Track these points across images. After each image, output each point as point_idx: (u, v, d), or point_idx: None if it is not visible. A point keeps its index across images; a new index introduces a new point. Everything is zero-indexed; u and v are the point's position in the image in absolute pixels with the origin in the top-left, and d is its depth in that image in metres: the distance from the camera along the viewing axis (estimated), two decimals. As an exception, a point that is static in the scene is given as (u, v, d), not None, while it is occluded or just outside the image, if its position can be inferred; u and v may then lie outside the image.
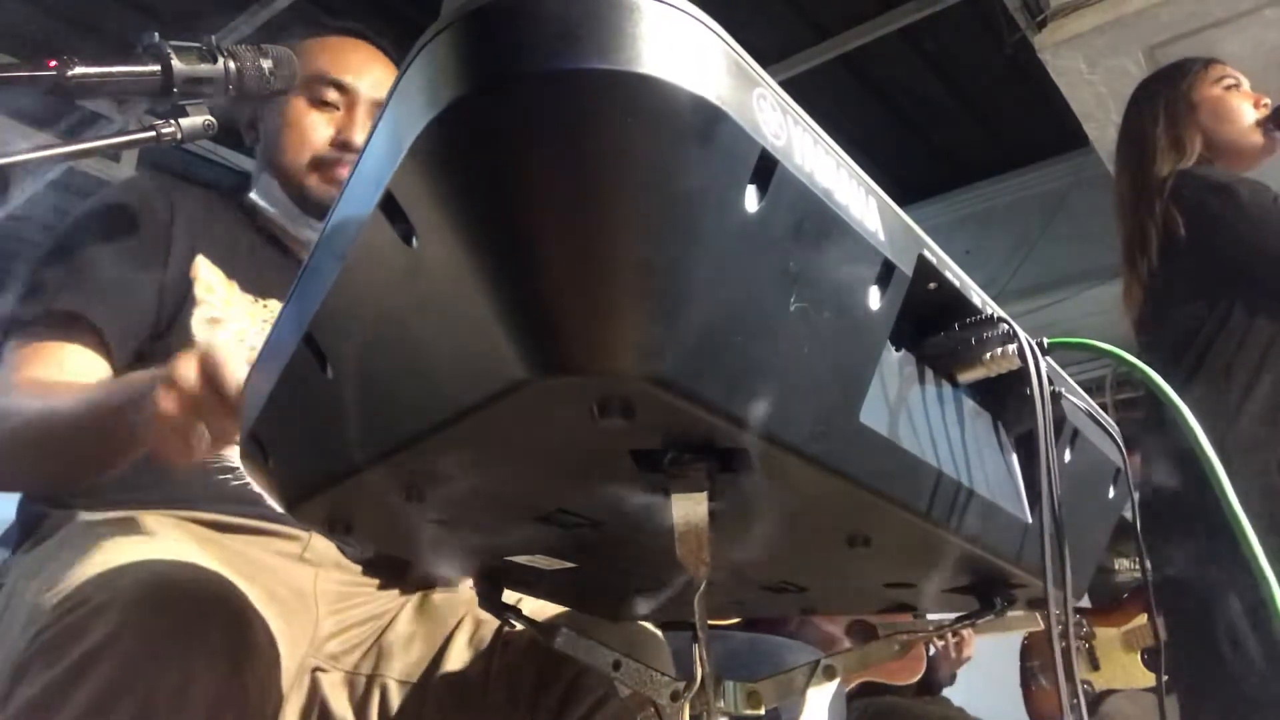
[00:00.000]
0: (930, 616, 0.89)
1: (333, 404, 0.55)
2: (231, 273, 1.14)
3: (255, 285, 1.15)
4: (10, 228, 4.54)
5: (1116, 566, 2.82)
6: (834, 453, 0.46)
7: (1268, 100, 1.95)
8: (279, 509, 0.66)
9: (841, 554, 0.61)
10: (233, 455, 1.06)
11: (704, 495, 0.48)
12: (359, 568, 1.11)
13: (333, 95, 1.21)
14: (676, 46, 0.38)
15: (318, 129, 1.20)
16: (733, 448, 0.44)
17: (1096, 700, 2.65)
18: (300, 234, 1.22)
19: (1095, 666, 2.73)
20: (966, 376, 0.58)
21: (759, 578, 0.71)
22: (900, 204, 0.51)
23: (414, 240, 0.43)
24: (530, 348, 0.39)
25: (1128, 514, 0.79)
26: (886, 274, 0.48)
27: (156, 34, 0.92)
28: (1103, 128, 3.27)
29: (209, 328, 1.07)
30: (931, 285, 0.54)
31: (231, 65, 0.95)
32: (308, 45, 1.23)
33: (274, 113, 1.23)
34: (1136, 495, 0.78)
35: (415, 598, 1.11)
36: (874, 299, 0.48)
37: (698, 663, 0.63)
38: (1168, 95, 1.96)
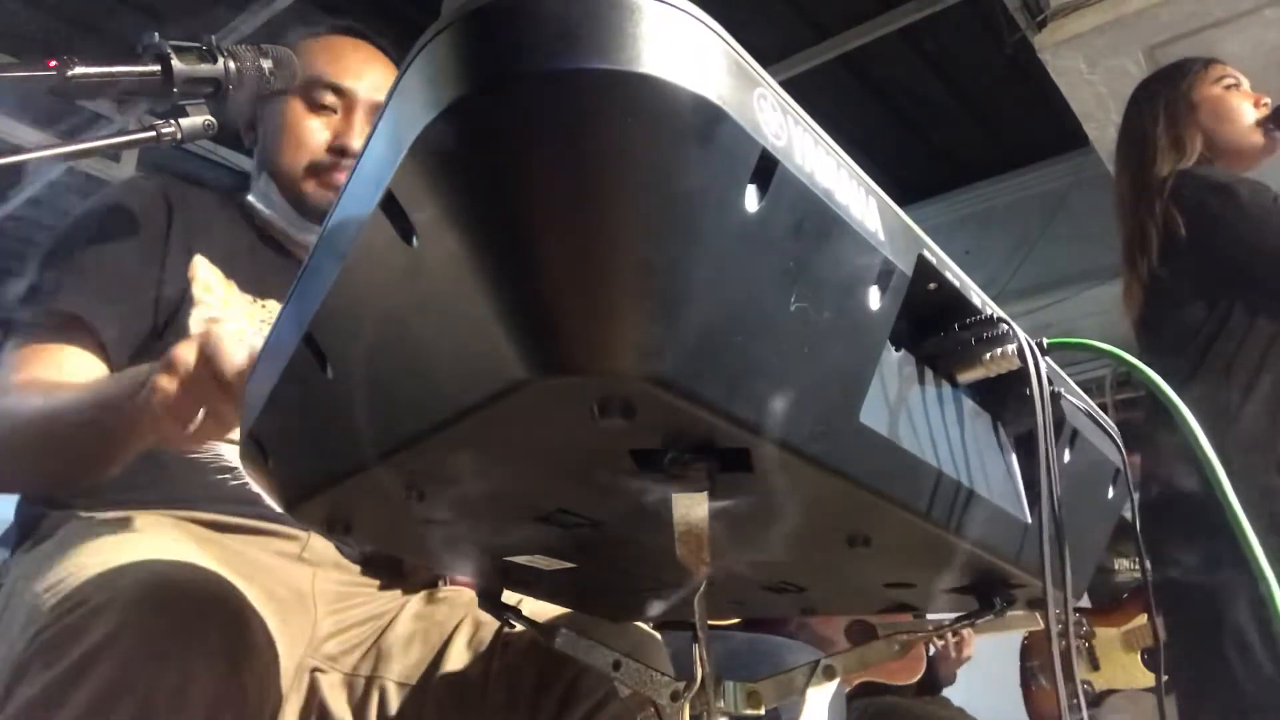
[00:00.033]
0: (930, 616, 0.89)
1: (333, 404, 0.55)
2: (230, 273, 1.14)
3: (254, 285, 1.15)
4: (10, 227, 4.54)
5: (1116, 566, 2.82)
6: (834, 453, 0.46)
7: (1268, 100, 1.95)
8: (278, 509, 0.66)
9: (841, 554, 0.61)
10: (232, 455, 1.06)
11: (704, 495, 0.48)
12: (358, 568, 1.11)
13: (330, 99, 1.20)
14: (677, 46, 0.38)
15: (315, 133, 1.19)
16: (733, 448, 0.44)
17: (1096, 700, 2.65)
18: (299, 237, 1.22)
19: (1095, 666, 2.73)
20: (966, 377, 0.58)
21: (759, 578, 0.71)
22: (900, 204, 0.51)
23: (414, 240, 0.43)
24: (530, 348, 0.39)
25: (1128, 514, 0.79)
26: (886, 274, 0.48)
27: (156, 34, 0.92)
28: (1103, 128, 3.27)
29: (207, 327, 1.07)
30: (931, 285, 0.54)
31: (231, 65, 0.95)
32: (306, 45, 1.22)
33: (271, 115, 1.23)
34: (1136, 495, 0.78)
35: (414, 599, 1.11)
36: (874, 299, 0.48)
37: (698, 663, 0.63)
38: (1168, 95, 1.96)
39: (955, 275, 0.55)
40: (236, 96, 0.95)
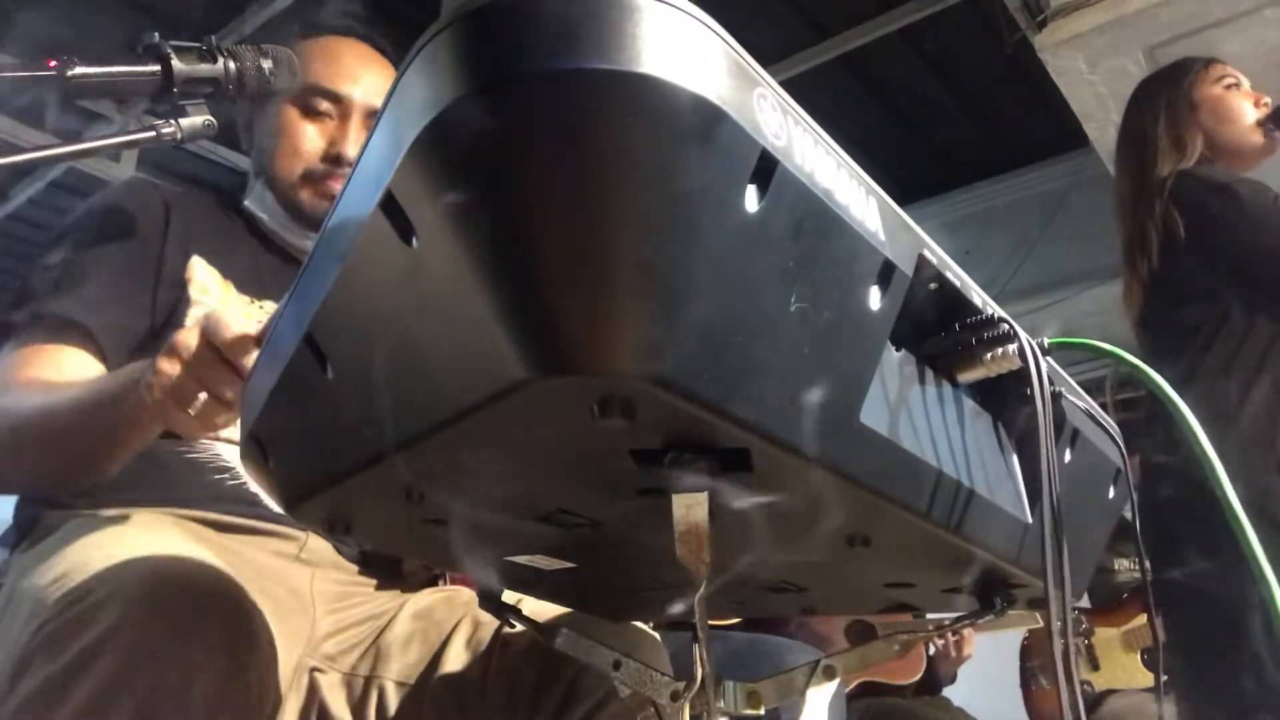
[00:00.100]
0: (930, 616, 0.89)
1: (333, 404, 0.55)
2: (227, 274, 1.14)
3: (251, 286, 1.15)
4: (10, 227, 4.55)
5: (1116, 566, 2.82)
6: (834, 453, 0.46)
7: (1268, 100, 1.95)
8: (278, 509, 0.66)
9: (841, 554, 0.61)
10: (230, 455, 1.06)
11: (704, 495, 0.48)
12: (356, 568, 1.11)
13: (326, 105, 1.20)
14: (677, 46, 0.38)
15: (310, 140, 1.19)
16: (733, 448, 0.44)
17: (1096, 700, 2.65)
18: (295, 241, 1.22)
19: (1095, 666, 2.72)
20: (967, 376, 0.58)
21: (759, 578, 0.71)
22: (900, 204, 0.51)
23: (414, 240, 0.43)
24: (530, 348, 0.39)
25: (1128, 514, 0.79)
26: (887, 274, 0.48)
27: (156, 34, 0.92)
28: (1103, 128, 3.28)
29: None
30: (932, 285, 0.54)
31: (231, 65, 0.95)
32: (303, 46, 1.22)
33: (267, 119, 1.22)
34: (1136, 495, 0.78)
35: (413, 598, 1.11)
36: (874, 299, 0.48)
37: (698, 663, 0.63)
38: (1168, 95, 1.96)
39: (956, 275, 0.55)
40: (236, 97, 0.95)
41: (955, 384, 0.59)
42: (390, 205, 0.43)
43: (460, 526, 0.62)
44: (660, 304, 0.38)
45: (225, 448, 1.07)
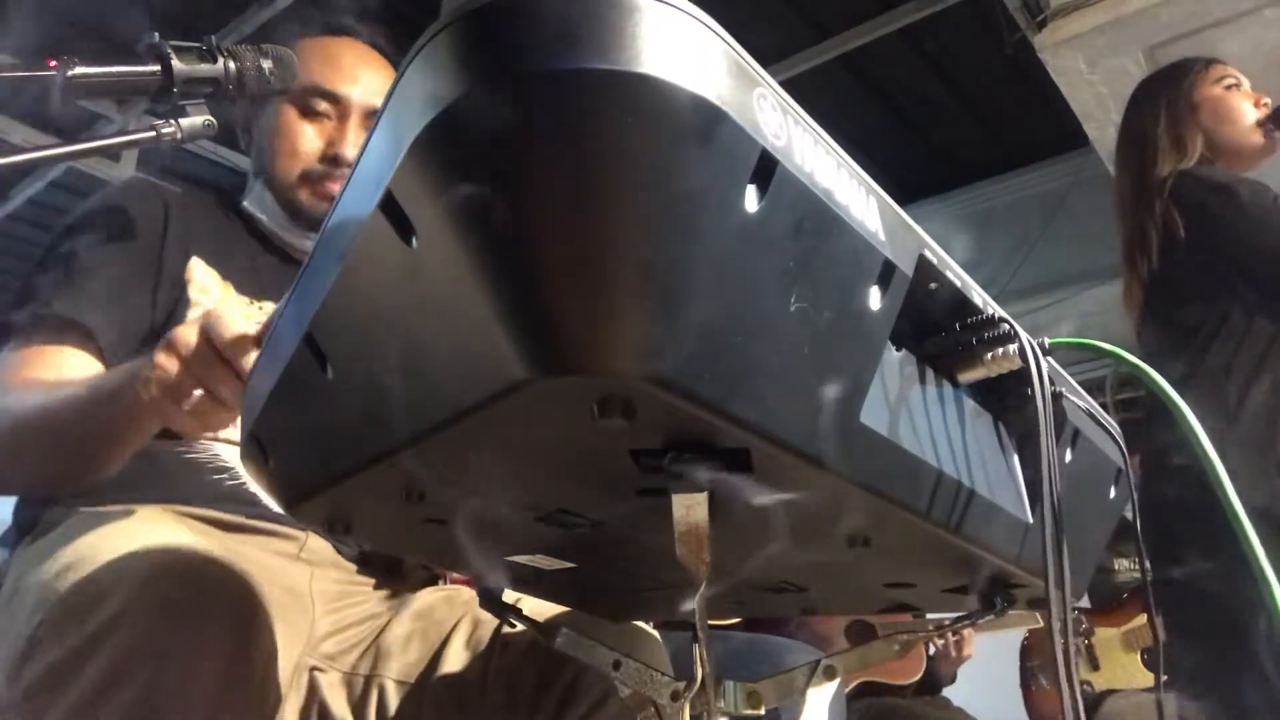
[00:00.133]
0: (930, 616, 0.89)
1: (333, 404, 0.55)
2: (227, 274, 1.14)
3: (251, 287, 1.15)
4: (10, 227, 4.55)
5: (1116, 566, 2.82)
6: (834, 453, 0.46)
7: (1268, 100, 1.95)
8: (279, 509, 0.66)
9: (841, 554, 0.61)
10: (229, 455, 1.06)
11: (704, 495, 0.48)
12: (355, 567, 1.11)
13: (324, 105, 1.20)
14: (676, 46, 0.38)
15: (308, 140, 1.19)
16: (733, 448, 0.44)
17: (1096, 700, 2.65)
18: (294, 241, 1.22)
19: (1095, 666, 2.72)
20: (967, 376, 0.58)
21: (759, 578, 0.71)
22: (900, 204, 0.51)
23: (414, 240, 0.43)
24: (530, 348, 0.39)
25: (1128, 514, 0.79)
26: (887, 274, 0.48)
27: (156, 34, 0.92)
28: (1103, 128, 3.28)
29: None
30: (932, 285, 0.54)
31: (231, 65, 0.95)
32: (301, 46, 1.21)
33: (265, 119, 1.22)
34: (1137, 495, 0.78)
35: (413, 597, 1.11)
36: (874, 299, 0.48)
37: (698, 663, 0.63)
38: (1169, 95, 1.96)
39: (956, 275, 0.55)
40: (236, 97, 0.95)
41: (956, 384, 0.59)
42: (390, 205, 0.43)
43: (460, 526, 0.62)
44: (660, 304, 0.38)
45: (225, 448, 1.07)
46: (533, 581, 0.76)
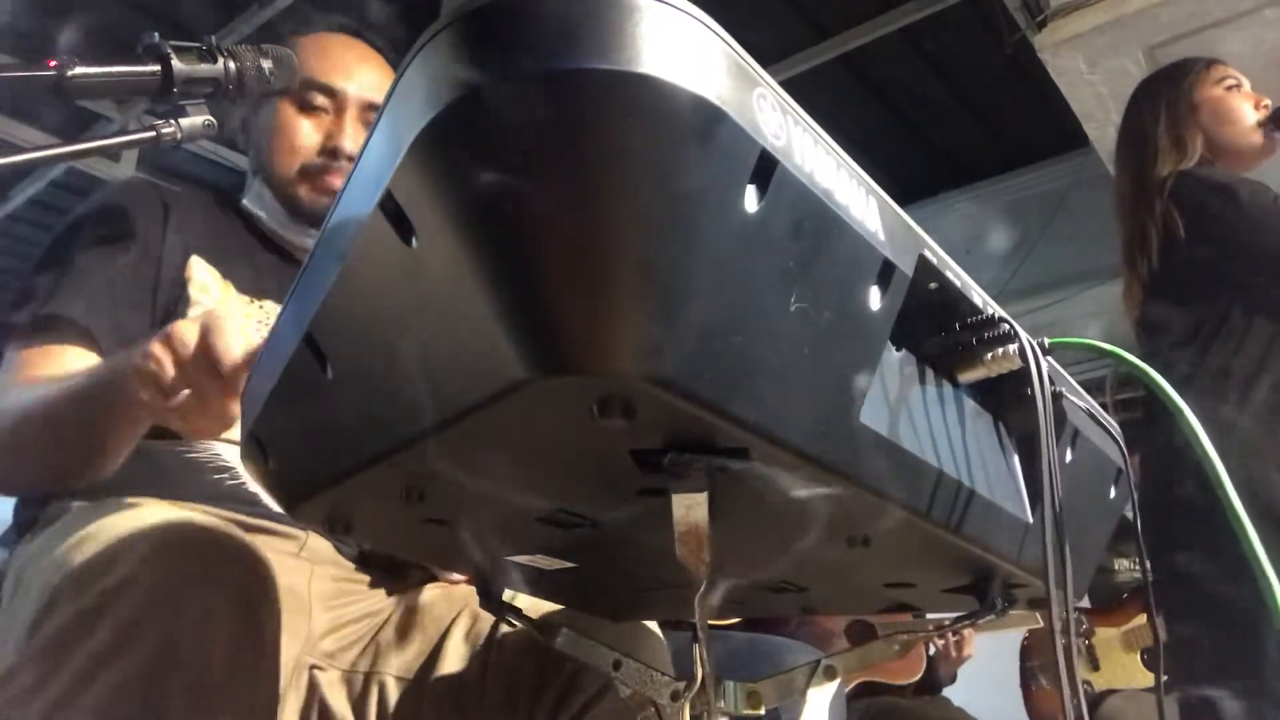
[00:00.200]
0: (930, 616, 0.89)
1: (333, 404, 0.55)
2: (227, 273, 1.14)
3: (251, 286, 1.15)
4: (10, 227, 4.55)
5: (1116, 566, 2.82)
6: (834, 453, 0.46)
7: (1268, 101, 1.95)
8: (279, 509, 0.66)
9: (841, 554, 0.61)
10: (229, 455, 1.06)
11: (704, 495, 0.48)
12: (354, 565, 1.11)
13: (321, 100, 1.20)
14: (676, 46, 0.38)
15: (306, 135, 1.19)
16: (733, 448, 0.44)
17: (1096, 700, 2.65)
18: (294, 239, 1.22)
19: (1095, 666, 2.72)
20: (967, 376, 0.58)
21: (759, 577, 0.71)
22: (900, 204, 0.51)
23: (414, 240, 0.43)
24: (530, 348, 0.39)
25: (1128, 513, 0.79)
26: (887, 274, 0.48)
27: (156, 34, 0.92)
28: (1103, 128, 3.27)
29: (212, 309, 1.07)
30: (932, 285, 0.54)
31: (231, 65, 0.95)
32: (299, 44, 1.22)
33: (263, 117, 1.22)
34: (1137, 495, 0.78)
35: (411, 594, 1.11)
36: (874, 299, 0.48)
37: (698, 663, 0.63)
38: (1169, 95, 1.96)
39: (956, 275, 0.55)
40: (236, 97, 0.96)
41: (955, 384, 0.59)
42: (390, 205, 0.43)
43: (460, 526, 0.62)
44: (660, 304, 0.38)
45: (225, 448, 1.07)
46: (533, 581, 0.76)
